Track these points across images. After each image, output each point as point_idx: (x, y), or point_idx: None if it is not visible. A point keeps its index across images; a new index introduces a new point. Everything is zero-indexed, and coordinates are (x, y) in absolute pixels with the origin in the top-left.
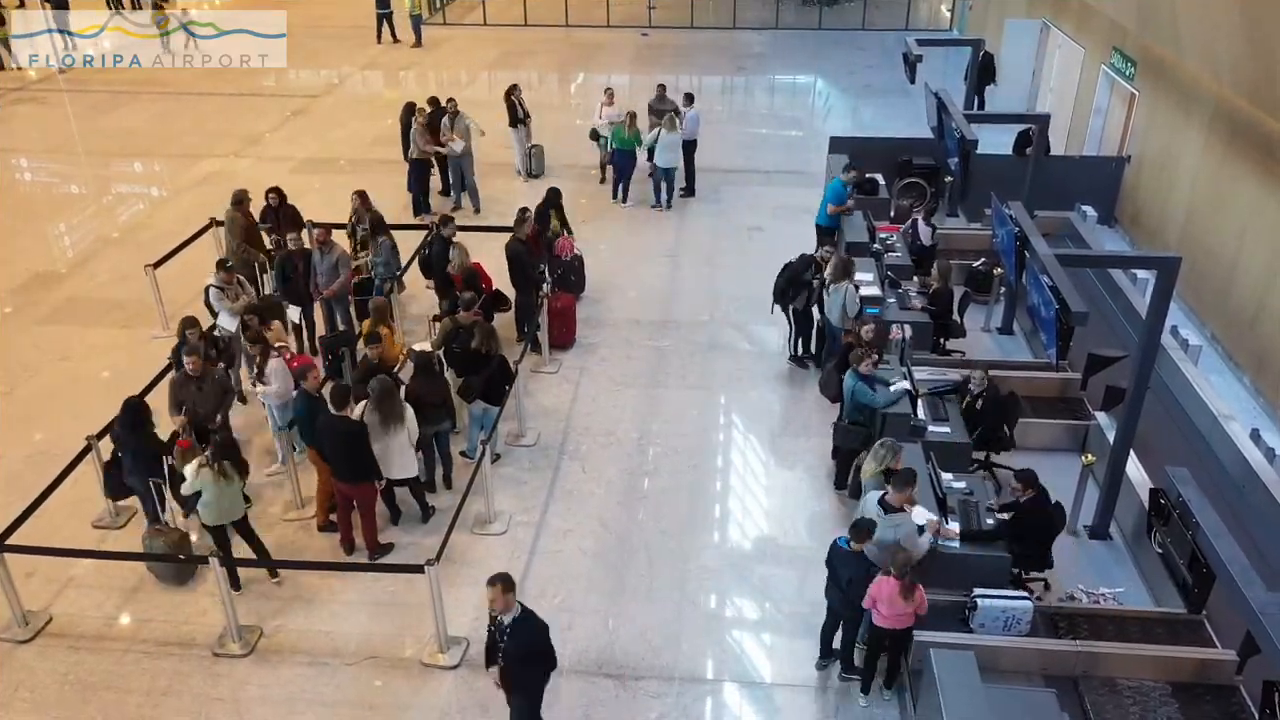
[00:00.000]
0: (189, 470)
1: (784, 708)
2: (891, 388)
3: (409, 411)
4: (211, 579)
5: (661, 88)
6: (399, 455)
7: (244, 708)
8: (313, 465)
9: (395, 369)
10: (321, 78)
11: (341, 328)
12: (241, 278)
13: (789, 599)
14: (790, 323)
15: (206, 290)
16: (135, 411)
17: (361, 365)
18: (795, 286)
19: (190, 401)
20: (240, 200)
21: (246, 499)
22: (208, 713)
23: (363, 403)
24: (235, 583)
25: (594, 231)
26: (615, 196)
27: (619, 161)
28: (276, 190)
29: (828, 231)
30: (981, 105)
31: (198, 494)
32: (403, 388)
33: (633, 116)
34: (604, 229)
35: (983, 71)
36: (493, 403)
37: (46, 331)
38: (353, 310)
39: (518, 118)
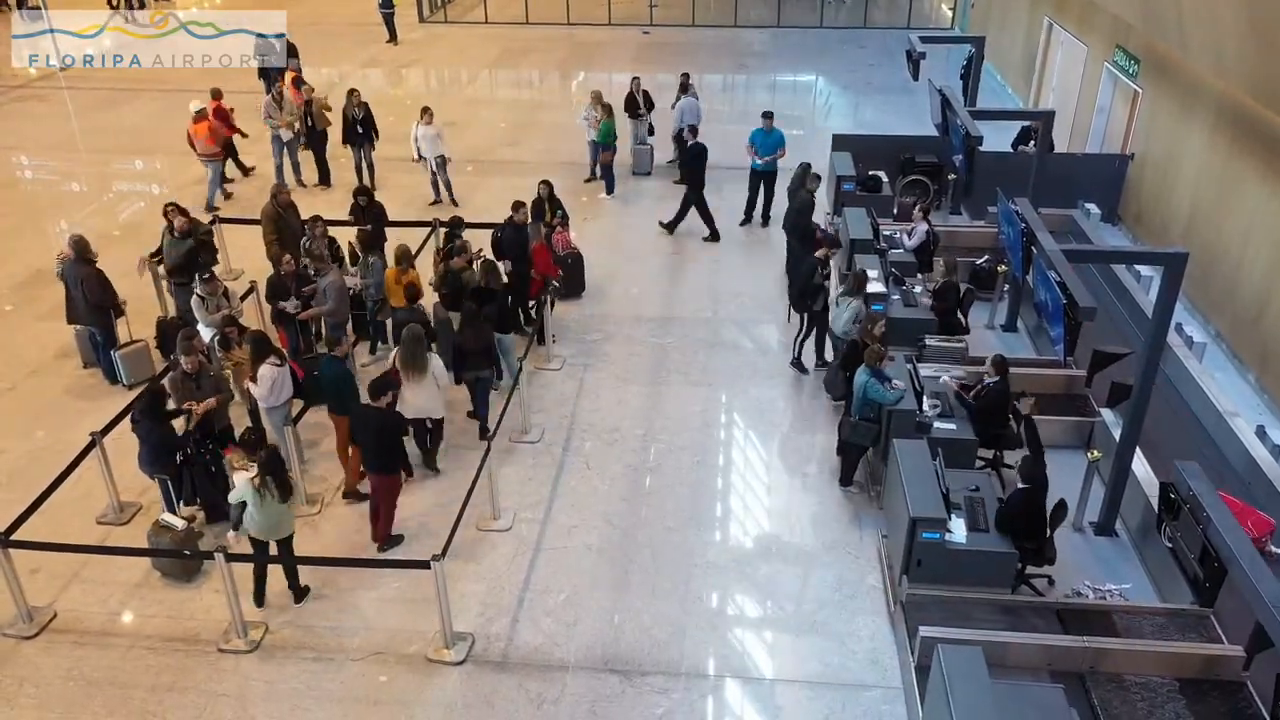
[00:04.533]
0: (238, 480)
1: (788, 705)
2: (894, 382)
3: (435, 360)
4: (217, 575)
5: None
6: (423, 398)
7: (249, 703)
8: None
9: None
10: (322, 76)
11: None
12: (227, 286)
13: (793, 596)
14: (803, 325)
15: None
16: (154, 398)
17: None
18: (810, 294)
19: (189, 397)
20: (277, 194)
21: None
22: (213, 708)
23: (394, 350)
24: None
25: (595, 230)
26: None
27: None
28: (366, 192)
29: (761, 175)
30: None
31: (243, 505)
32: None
33: (607, 110)
34: (605, 227)
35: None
36: (505, 332)
37: (48, 328)
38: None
39: (638, 111)
